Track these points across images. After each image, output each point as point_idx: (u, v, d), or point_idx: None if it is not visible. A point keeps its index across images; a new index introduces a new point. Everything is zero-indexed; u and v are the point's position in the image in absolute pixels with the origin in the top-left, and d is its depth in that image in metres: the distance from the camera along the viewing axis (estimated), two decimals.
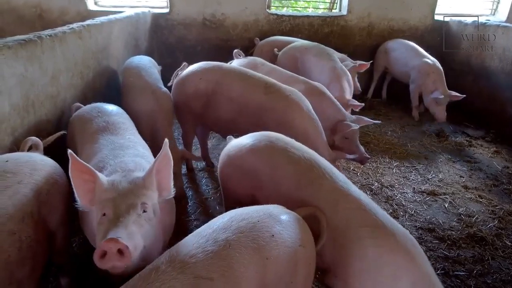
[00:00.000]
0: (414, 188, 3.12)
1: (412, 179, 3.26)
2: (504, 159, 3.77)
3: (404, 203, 2.89)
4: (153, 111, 2.55)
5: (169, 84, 2.86)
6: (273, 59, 4.03)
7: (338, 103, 3.07)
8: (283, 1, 6.90)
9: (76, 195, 1.30)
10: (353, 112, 3.50)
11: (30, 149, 1.74)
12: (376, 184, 3.14)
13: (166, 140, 1.34)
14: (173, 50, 4.77)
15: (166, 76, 3.04)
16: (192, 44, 4.81)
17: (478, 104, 4.60)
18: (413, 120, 4.71)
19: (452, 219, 2.74)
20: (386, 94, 5.41)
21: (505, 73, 4.31)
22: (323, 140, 2.57)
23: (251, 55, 4.19)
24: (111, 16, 3.37)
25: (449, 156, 3.76)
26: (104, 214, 1.22)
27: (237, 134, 2.03)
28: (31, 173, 1.46)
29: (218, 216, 1.34)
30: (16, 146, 1.79)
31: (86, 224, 1.53)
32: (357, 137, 2.92)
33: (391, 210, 2.79)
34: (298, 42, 4.23)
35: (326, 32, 5.12)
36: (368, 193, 2.95)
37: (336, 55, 4.29)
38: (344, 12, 5.14)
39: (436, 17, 5.33)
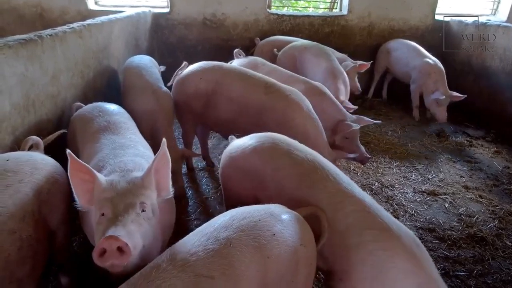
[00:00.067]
0: (414, 188, 3.12)
1: (413, 179, 3.26)
2: (505, 159, 3.77)
3: (404, 203, 2.88)
4: (154, 111, 2.55)
5: (169, 84, 2.86)
6: (273, 58, 4.03)
7: (338, 103, 3.07)
8: (283, 1, 6.90)
9: (74, 194, 1.30)
10: (353, 112, 3.50)
11: (30, 148, 1.74)
12: (376, 184, 3.13)
13: (164, 139, 1.34)
14: (174, 50, 4.77)
15: (166, 76, 3.04)
16: (193, 43, 4.82)
17: (478, 104, 4.60)
18: (414, 120, 4.70)
19: (453, 219, 2.73)
20: (387, 94, 5.41)
21: (506, 73, 4.30)
22: (323, 140, 2.57)
23: (251, 54, 4.19)
24: (112, 16, 3.37)
25: (450, 156, 3.76)
26: (102, 214, 1.22)
27: (239, 134, 2.03)
28: (31, 172, 1.47)
29: (219, 215, 1.34)
30: (17, 145, 1.79)
31: (86, 224, 1.53)
32: (357, 137, 2.92)
33: (391, 210, 2.79)
34: (298, 41, 4.23)
35: (326, 32, 5.12)
36: (368, 193, 2.95)
37: (337, 55, 4.30)
38: (345, 11, 5.14)
39: (437, 17, 5.33)
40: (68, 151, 1.26)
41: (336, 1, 5.52)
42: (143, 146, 1.82)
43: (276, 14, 4.97)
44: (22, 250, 1.30)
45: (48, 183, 1.51)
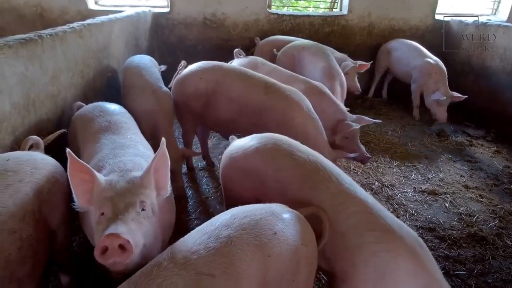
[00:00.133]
0: (414, 187, 3.12)
1: (413, 179, 3.26)
2: (505, 159, 3.77)
3: (404, 203, 2.88)
4: (154, 111, 2.55)
5: (169, 86, 2.86)
6: (273, 58, 4.03)
7: (338, 102, 3.07)
8: (283, 1, 6.90)
9: (74, 194, 1.30)
10: (353, 112, 3.49)
11: (31, 148, 1.74)
12: (376, 183, 3.13)
13: (163, 139, 1.34)
14: (174, 50, 4.77)
15: (166, 76, 3.04)
16: (193, 43, 4.81)
17: (479, 104, 4.59)
18: (414, 120, 4.70)
19: (453, 219, 2.73)
20: (387, 93, 5.40)
21: (506, 73, 4.30)
22: (323, 139, 2.57)
23: (251, 54, 4.19)
24: (112, 16, 3.37)
25: (450, 156, 3.75)
26: (102, 214, 1.22)
27: (239, 134, 2.03)
28: (32, 172, 1.47)
29: (221, 214, 1.35)
30: (17, 145, 1.79)
31: (86, 224, 1.53)
32: (357, 137, 2.91)
33: (391, 210, 2.78)
34: (297, 41, 4.23)
35: (326, 31, 5.12)
36: (368, 192, 2.93)
37: (336, 54, 4.29)
38: (345, 11, 5.14)
39: (437, 17, 5.32)
40: (68, 150, 1.26)
41: (336, 1, 5.52)
42: (143, 146, 1.82)
43: (276, 14, 4.97)
44: (22, 250, 1.30)
45: (49, 182, 1.51)
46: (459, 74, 4.90)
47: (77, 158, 1.27)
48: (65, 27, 2.46)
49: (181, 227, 2.24)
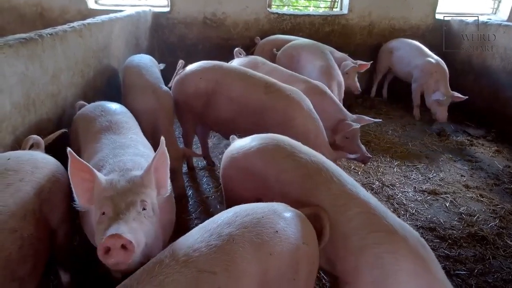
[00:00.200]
0: (415, 187, 3.12)
1: (413, 178, 3.26)
2: (505, 158, 3.77)
3: (405, 202, 2.88)
4: (154, 110, 2.55)
5: (169, 85, 2.86)
6: (273, 58, 4.03)
7: (339, 102, 3.07)
8: (284, 0, 6.90)
9: (74, 194, 1.30)
10: (353, 111, 3.49)
11: (31, 147, 1.74)
12: (377, 183, 3.13)
13: (163, 138, 1.35)
14: (174, 49, 4.77)
15: (166, 75, 3.04)
16: (193, 42, 4.81)
17: (479, 103, 4.59)
18: (414, 119, 4.70)
19: (453, 218, 2.73)
20: (387, 93, 5.40)
21: (507, 72, 4.30)
22: (324, 139, 2.57)
23: (252, 54, 4.19)
24: (112, 15, 3.37)
25: (450, 155, 3.75)
26: (103, 213, 1.22)
27: (240, 134, 2.02)
28: (32, 171, 1.47)
29: (223, 212, 1.35)
30: (17, 144, 1.79)
31: (86, 223, 1.54)
32: (358, 137, 2.91)
33: (392, 209, 2.78)
34: (297, 40, 4.23)
35: (327, 31, 5.11)
36: (369, 192, 2.95)
37: (337, 54, 4.29)
38: (345, 11, 5.14)
39: (438, 16, 5.32)
40: (68, 149, 1.26)
41: (337, 0, 5.51)
42: (144, 146, 1.82)
43: (277, 13, 4.96)
44: (23, 249, 1.30)
45: (49, 182, 1.51)
46: (459, 73, 4.90)
47: (78, 157, 1.27)
48: (65, 26, 2.46)
49: (181, 226, 2.24)
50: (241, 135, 1.99)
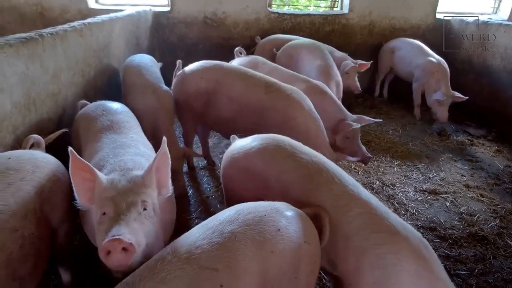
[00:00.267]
0: (415, 187, 3.12)
1: (414, 178, 3.26)
2: (506, 158, 3.77)
3: (405, 202, 2.88)
4: (155, 110, 2.55)
5: (172, 88, 2.85)
6: (274, 57, 4.03)
7: (339, 102, 3.06)
8: (284, 0, 6.89)
9: (75, 193, 1.30)
10: (354, 111, 3.49)
11: (32, 147, 1.74)
12: (377, 183, 3.13)
13: (165, 138, 1.35)
14: (175, 49, 4.77)
15: (166, 75, 3.04)
16: (194, 42, 4.81)
17: (479, 103, 4.58)
18: (415, 119, 4.69)
19: (454, 218, 2.73)
20: (388, 92, 5.40)
21: (507, 72, 4.29)
22: (324, 139, 2.57)
23: (252, 53, 4.19)
24: (112, 14, 3.37)
25: (451, 155, 3.75)
26: (104, 213, 1.23)
27: (240, 134, 2.02)
28: (33, 171, 1.47)
29: (225, 209, 1.35)
30: (18, 144, 1.79)
31: (87, 223, 1.54)
32: (358, 137, 2.91)
33: (392, 209, 2.78)
34: (296, 40, 4.22)
35: (327, 30, 5.11)
36: (369, 192, 2.95)
37: (337, 54, 4.29)
38: (346, 10, 5.13)
39: (438, 16, 5.31)
40: (70, 148, 1.26)
41: (337, 0, 5.51)
42: (144, 145, 1.82)
43: (277, 12, 4.96)
44: (24, 248, 1.30)
45: (50, 181, 1.52)
46: (460, 73, 4.89)
47: (79, 157, 1.27)
48: (65, 26, 2.46)
49: (181, 226, 2.23)
50: (242, 135, 1.98)
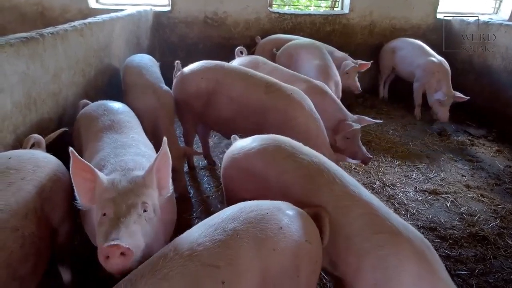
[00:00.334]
0: (416, 187, 3.12)
1: (414, 178, 3.26)
2: (506, 158, 3.76)
3: (405, 202, 2.88)
4: (155, 110, 2.55)
5: (172, 88, 2.85)
6: (274, 57, 4.03)
7: (339, 102, 3.06)
8: (284, 0, 6.88)
9: (76, 193, 1.30)
10: (354, 111, 3.49)
11: (32, 146, 1.75)
12: (377, 183, 3.13)
13: (165, 138, 1.35)
14: (175, 48, 4.77)
15: (167, 75, 3.04)
16: (194, 42, 4.81)
17: (480, 103, 4.58)
18: (415, 119, 4.69)
19: (454, 218, 2.73)
20: (388, 92, 5.39)
21: (508, 72, 4.29)
22: (325, 139, 2.56)
23: (252, 53, 4.19)
24: (113, 14, 3.37)
25: (451, 155, 3.75)
26: (104, 214, 1.23)
27: (241, 135, 2.02)
28: (34, 170, 1.47)
29: (228, 207, 1.36)
30: (18, 143, 1.79)
31: (87, 223, 1.54)
32: (358, 137, 2.90)
33: (392, 209, 2.77)
34: (296, 40, 4.22)
35: (328, 30, 5.11)
36: (369, 192, 2.95)
37: (337, 54, 4.29)
38: (346, 10, 5.13)
39: (439, 16, 5.31)
40: (70, 149, 1.27)
41: (338, 0, 5.51)
42: (145, 145, 1.82)
43: (278, 12, 4.96)
44: (24, 248, 1.30)
45: (50, 181, 1.52)
46: (460, 73, 4.89)
47: (80, 157, 1.27)
48: (66, 25, 2.46)
49: (182, 226, 2.23)
50: (242, 135, 1.98)
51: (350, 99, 4.51)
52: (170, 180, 1.40)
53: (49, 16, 4.44)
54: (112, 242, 1.10)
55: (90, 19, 2.86)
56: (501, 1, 5.62)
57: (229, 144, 1.95)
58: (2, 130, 1.75)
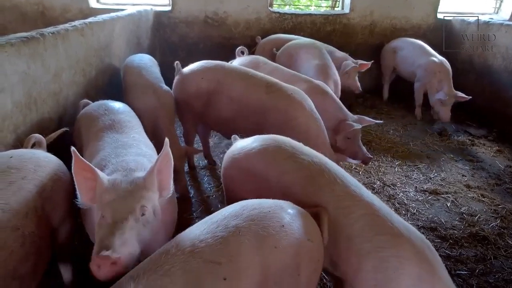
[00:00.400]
0: (416, 187, 3.12)
1: (414, 178, 3.26)
2: (507, 158, 3.76)
3: (406, 202, 2.88)
4: (155, 109, 2.55)
5: (172, 88, 2.85)
6: (274, 57, 4.03)
7: (340, 102, 3.06)
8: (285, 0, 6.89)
9: (77, 192, 1.31)
10: (354, 111, 3.48)
11: (33, 146, 1.75)
12: (378, 182, 3.13)
13: (167, 139, 1.34)
14: (175, 48, 4.77)
15: (167, 75, 3.04)
16: (194, 41, 4.82)
17: (480, 103, 4.58)
18: (416, 119, 4.69)
19: (454, 218, 2.73)
20: (389, 92, 5.38)
21: (508, 72, 4.29)
22: (325, 139, 2.56)
23: (253, 53, 4.19)
24: (113, 14, 3.37)
25: (452, 155, 3.75)
26: (103, 216, 1.23)
27: (241, 135, 2.02)
28: (35, 169, 1.47)
29: (230, 205, 1.36)
30: (19, 143, 1.79)
31: (88, 221, 1.54)
32: (359, 137, 2.90)
33: (393, 209, 2.77)
34: (296, 40, 4.22)
35: (328, 30, 5.11)
36: (370, 191, 2.95)
37: (338, 54, 4.29)
38: (347, 10, 5.13)
39: (439, 16, 5.31)
40: (72, 149, 1.27)
41: (338, 0, 5.50)
42: (146, 145, 1.82)
43: (278, 12, 4.96)
44: (25, 247, 1.30)
45: (51, 180, 1.52)
46: (460, 73, 4.88)
47: (81, 157, 1.28)
48: (67, 25, 2.46)
49: (182, 225, 2.23)
50: (242, 135, 1.98)
51: (350, 99, 4.51)
52: (172, 182, 1.40)
53: (49, 16, 4.45)
54: (102, 254, 1.11)
55: (90, 19, 2.86)
56: (501, 1, 5.62)
57: (230, 144, 1.95)
58: (3, 130, 1.75)
